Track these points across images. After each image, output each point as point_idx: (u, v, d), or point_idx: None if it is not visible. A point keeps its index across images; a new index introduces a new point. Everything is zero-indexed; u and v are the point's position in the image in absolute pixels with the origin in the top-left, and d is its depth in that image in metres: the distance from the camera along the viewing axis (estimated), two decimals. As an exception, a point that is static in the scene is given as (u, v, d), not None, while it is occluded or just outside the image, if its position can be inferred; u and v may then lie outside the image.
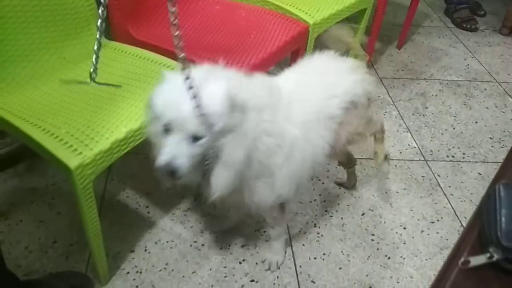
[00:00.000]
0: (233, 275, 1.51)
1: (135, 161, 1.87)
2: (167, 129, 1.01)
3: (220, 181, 1.09)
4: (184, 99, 0.94)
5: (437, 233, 1.72)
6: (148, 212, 1.69)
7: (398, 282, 1.53)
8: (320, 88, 1.28)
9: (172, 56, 1.24)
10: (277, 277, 1.50)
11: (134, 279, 1.47)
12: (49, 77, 1.42)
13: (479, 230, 0.69)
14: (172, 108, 0.99)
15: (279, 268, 1.53)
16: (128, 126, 1.23)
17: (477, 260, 0.64)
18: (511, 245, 0.64)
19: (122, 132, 1.22)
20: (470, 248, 0.67)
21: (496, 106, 2.47)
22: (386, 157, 1.51)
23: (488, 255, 0.64)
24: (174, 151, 1.00)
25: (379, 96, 2.42)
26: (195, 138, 1.00)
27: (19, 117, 1.23)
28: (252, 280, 1.50)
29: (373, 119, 1.48)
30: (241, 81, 1.10)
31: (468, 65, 2.81)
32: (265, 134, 1.09)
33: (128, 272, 1.49)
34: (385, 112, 2.32)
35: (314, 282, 1.51)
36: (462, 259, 0.64)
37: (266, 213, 1.42)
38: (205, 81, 0.99)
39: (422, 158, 2.07)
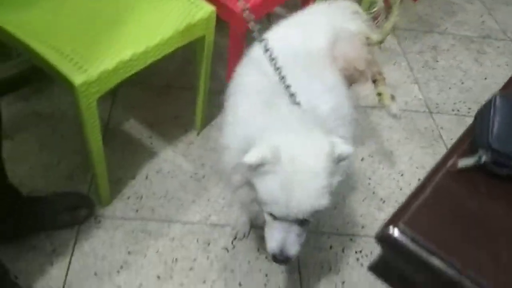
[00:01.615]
0: (231, 206, 1.55)
1: (140, 91, 1.88)
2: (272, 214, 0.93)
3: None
4: (292, 189, 0.86)
5: (434, 182, 1.73)
6: (151, 143, 1.71)
7: (391, 225, 1.56)
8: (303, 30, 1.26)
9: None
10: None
11: (134, 204, 1.51)
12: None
13: (471, 139, 0.70)
14: (279, 203, 0.88)
15: None
16: (135, 48, 1.23)
17: (466, 162, 0.65)
18: (500, 147, 0.65)
19: (128, 53, 1.21)
20: (460, 154, 0.68)
21: (507, 65, 2.43)
22: (393, 97, 1.50)
23: (477, 157, 0.65)
24: (285, 239, 0.93)
25: (389, 46, 2.38)
26: (305, 221, 0.94)
27: (27, 33, 1.22)
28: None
29: (375, 60, 1.46)
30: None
31: (483, 21, 2.74)
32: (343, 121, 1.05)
33: (129, 197, 1.53)
34: (395, 63, 2.29)
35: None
36: (450, 162, 0.65)
37: None
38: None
39: (427, 110, 2.06)
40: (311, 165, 0.86)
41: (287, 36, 1.24)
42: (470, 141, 0.70)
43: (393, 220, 0.60)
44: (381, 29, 1.40)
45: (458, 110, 2.09)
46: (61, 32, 1.24)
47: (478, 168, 0.65)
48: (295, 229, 0.93)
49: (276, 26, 1.31)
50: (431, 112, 2.05)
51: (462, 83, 2.26)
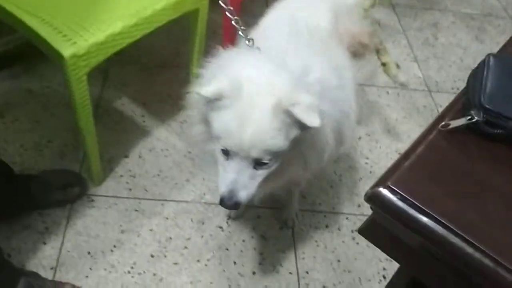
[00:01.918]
0: (225, 185, 1.52)
1: (132, 70, 1.85)
2: (226, 151, 0.89)
3: (315, 164, 1.02)
4: (247, 123, 0.83)
5: (432, 161, 1.71)
6: (144, 122, 1.68)
7: (388, 203, 1.55)
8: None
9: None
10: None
11: (127, 182, 1.49)
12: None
13: (464, 99, 0.68)
14: (232, 136, 0.86)
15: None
16: (125, 21, 1.19)
17: (457, 122, 0.64)
18: (492, 106, 0.63)
19: (118, 26, 1.18)
20: (453, 115, 0.66)
21: (509, 43, 2.38)
22: (398, 66, 1.47)
23: (469, 117, 0.63)
24: (236, 182, 0.89)
25: (389, 23, 2.33)
26: (259, 163, 0.89)
27: (16, 5, 1.19)
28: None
29: (375, 31, 1.43)
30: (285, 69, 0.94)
31: (484, -1, 2.70)
32: (339, 101, 1.00)
33: (121, 175, 1.51)
34: (394, 41, 2.25)
35: (304, 197, 1.53)
36: (443, 122, 0.63)
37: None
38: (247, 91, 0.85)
39: (426, 89, 2.03)
40: (267, 104, 0.83)
41: (289, 15, 1.20)
42: (463, 101, 0.68)
43: (383, 180, 0.59)
44: None
45: (457, 89, 2.06)
46: (51, 4, 1.20)
47: (470, 128, 0.64)
48: (248, 171, 0.89)
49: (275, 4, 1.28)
50: (430, 91, 2.02)
51: (462, 61, 2.22)
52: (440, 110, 1.92)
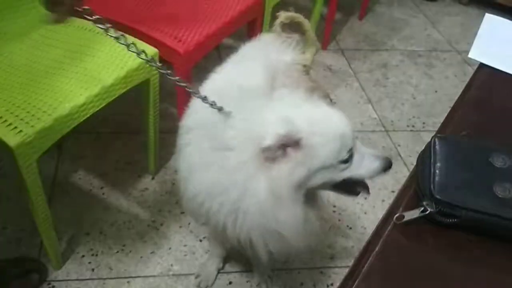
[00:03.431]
0: (194, 253, 1.47)
1: (87, 140, 1.80)
2: (346, 160, 0.88)
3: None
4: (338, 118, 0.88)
5: (398, 202, 1.72)
6: (103, 193, 1.63)
7: (359, 252, 1.53)
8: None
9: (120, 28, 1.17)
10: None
11: (89, 262, 1.42)
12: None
13: (415, 186, 0.67)
14: (350, 127, 0.88)
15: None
16: (73, 101, 1.16)
17: (411, 214, 0.63)
18: (443, 197, 0.62)
19: (66, 108, 1.14)
20: (406, 204, 0.66)
21: (455, 76, 2.48)
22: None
23: (422, 208, 0.63)
24: (373, 160, 0.91)
25: (340, 68, 2.39)
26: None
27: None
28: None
29: (318, 85, 1.44)
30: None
31: (428, 35, 2.82)
32: None
33: (83, 256, 1.44)
34: (347, 84, 2.30)
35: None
36: (397, 214, 0.62)
37: None
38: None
39: (383, 129, 2.07)
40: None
41: (228, 77, 1.20)
42: (414, 188, 0.68)
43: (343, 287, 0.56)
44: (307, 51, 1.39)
45: (413, 126, 2.11)
46: (-8, 92, 1.17)
47: (425, 217, 0.63)
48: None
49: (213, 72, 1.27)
50: (387, 131, 2.06)
51: (414, 98, 2.29)
52: (399, 149, 1.96)
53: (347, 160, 0.88)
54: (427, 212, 0.62)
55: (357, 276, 0.56)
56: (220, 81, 1.15)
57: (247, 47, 1.29)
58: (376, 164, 0.91)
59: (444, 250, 0.62)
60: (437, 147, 0.68)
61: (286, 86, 1.18)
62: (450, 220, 0.62)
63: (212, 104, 0.89)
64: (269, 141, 0.79)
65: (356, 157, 0.89)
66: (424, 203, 0.62)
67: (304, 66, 1.30)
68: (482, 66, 1.00)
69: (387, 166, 0.91)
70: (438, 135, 0.73)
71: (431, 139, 0.71)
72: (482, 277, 0.60)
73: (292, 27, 1.36)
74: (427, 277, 0.58)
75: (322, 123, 0.87)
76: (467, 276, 0.60)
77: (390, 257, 0.60)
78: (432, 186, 0.63)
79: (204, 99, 0.91)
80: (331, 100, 1.49)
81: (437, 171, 0.65)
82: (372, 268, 0.58)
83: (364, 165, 0.91)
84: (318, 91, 1.45)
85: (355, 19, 2.88)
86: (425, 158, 0.68)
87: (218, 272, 1.43)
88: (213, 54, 2.12)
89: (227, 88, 1.10)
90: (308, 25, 1.36)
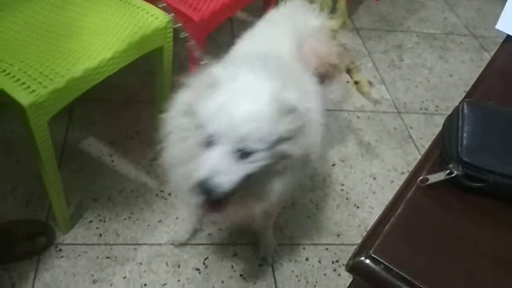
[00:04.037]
0: (201, 224, 1.48)
1: (98, 108, 1.80)
2: (209, 142, 0.86)
3: (277, 191, 0.96)
4: (235, 105, 0.84)
5: (407, 183, 1.71)
6: (112, 161, 1.63)
7: (366, 231, 1.53)
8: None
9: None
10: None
11: (97, 228, 1.43)
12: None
13: (441, 150, 0.66)
14: (220, 117, 0.84)
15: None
16: (86, 64, 1.15)
17: (436, 177, 0.61)
18: (471, 160, 0.61)
19: (79, 70, 1.14)
20: (430, 167, 0.64)
21: (472, 61, 2.44)
22: (370, 83, 1.47)
23: (448, 171, 0.61)
24: (216, 166, 0.83)
25: (354, 47, 2.35)
26: (244, 154, 0.85)
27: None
28: (221, 229, 1.48)
29: (345, 51, 1.43)
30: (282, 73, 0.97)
31: (445, 18, 2.76)
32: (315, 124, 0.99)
33: (91, 221, 1.44)
34: (360, 64, 2.27)
35: (281, 231, 1.50)
36: (420, 177, 0.61)
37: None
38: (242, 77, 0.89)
39: (395, 110, 2.04)
40: (265, 88, 0.87)
41: (255, 47, 1.19)
42: (439, 151, 0.66)
43: (363, 247, 0.55)
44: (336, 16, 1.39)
45: (426, 109, 2.08)
46: (6, 51, 1.16)
47: (450, 181, 0.61)
48: (232, 158, 0.84)
49: (241, 38, 1.26)
50: (399, 112, 2.03)
51: (428, 81, 2.25)
52: (411, 131, 1.93)
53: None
54: (453, 175, 0.61)
55: (378, 236, 0.55)
56: (248, 47, 1.15)
57: (274, 12, 1.29)
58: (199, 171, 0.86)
59: (469, 214, 0.61)
60: (465, 111, 0.67)
61: (314, 49, 1.18)
62: (477, 184, 0.61)
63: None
64: None
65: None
66: (451, 165, 0.61)
67: (332, 31, 1.29)
68: (509, 38, 0.97)
69: (200, 185, 0.85)
70: (467, 99, 0.71)
71: (460, 103, 0.70)
72: (508, 243, 0.59)
73: None
74: (450, 241, 0.57)
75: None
76: (492, 241, 0.58)
77: (413, 219, 0.59)
78: (460, 149, 0.61)
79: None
80: (357, 66, 1.46)
81: (465, 134, 0.63)
82: (393, 229, 0.56)
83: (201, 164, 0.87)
84: (345, 57, 1.44)
85: (372, -1, 2.83)
86: (453, 121, 0.66)
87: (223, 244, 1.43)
88: (226, 27, 2.10)
89: (253, 55, 1.09)
90: None
